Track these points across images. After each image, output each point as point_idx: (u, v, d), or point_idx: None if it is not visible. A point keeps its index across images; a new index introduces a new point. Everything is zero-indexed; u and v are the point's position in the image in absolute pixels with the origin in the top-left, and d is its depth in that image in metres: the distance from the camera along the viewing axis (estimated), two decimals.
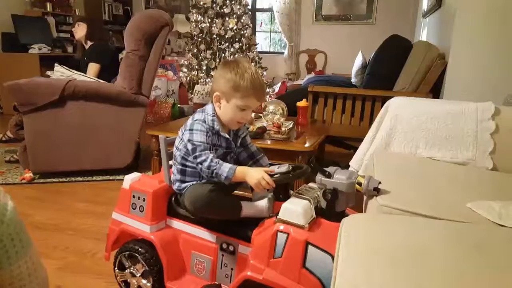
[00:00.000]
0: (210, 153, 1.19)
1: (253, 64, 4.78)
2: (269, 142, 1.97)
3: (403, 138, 1.60)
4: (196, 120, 1.24)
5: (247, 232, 1.19)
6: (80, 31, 3.09)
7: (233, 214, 1.22)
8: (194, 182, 1.27)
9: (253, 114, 2.47)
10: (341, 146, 3.19)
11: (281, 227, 1.08)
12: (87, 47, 3.12)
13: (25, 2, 5.37)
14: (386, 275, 0.69)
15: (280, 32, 6.39)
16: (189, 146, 1.20)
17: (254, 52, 4.95)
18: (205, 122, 1.23)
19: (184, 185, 1.29)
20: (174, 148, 1.32)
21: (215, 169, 1.16)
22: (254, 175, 1.14)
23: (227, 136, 1.28)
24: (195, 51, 4.89)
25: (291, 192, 1.22)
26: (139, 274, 1.33)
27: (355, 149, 1.84)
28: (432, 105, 1.63)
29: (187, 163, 1.27)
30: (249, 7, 5.19)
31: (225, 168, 1.16)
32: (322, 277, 1.01)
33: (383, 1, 5.82)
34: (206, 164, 1.16)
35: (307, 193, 1.16)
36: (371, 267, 0.71)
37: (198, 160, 1.18)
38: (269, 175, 1.15)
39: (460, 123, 1.55)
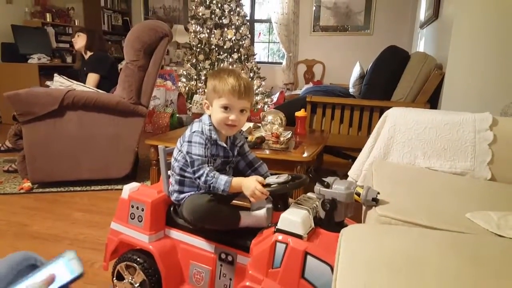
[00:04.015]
0: (208, 166, 1.20)
1: (249, 73, 4.81)
2: (267, 152, 1.98)
3: (402, 148, 1.61)
4: (194, 132, 1.25)
5: (245, 242, 1.19)
6: (80, 41, 3.11)
7: (231, 224, 1.23)
8: (192, 193, 1.28)
9: (251, 124, 2.48)
10: (339, 156, 3.19)
11: (280, 237, 1.08)
12: (86, 57, 3.14)
13: (25, 12, 5.40)
14: (385, 285, 0.69)
15: (279, 42, 6.44)
16: (188, 159, 1.22)
17: (253, 62, 4.98)
18: (203, 133, 1.24)
19: (182, 195, 1.29)
20: (172, 159, 1.33)
21: (212, 183, 1.18)
22: (248, 186, 1.15)
23: (224, 145, 1.29)
24: (193, 61, 4.91)
25: (290, 200, 1.22)
26: (138, 284, 1.32)
27: (353, 159, 1.84)
28: (430, 115, 1.64)
29: (186, 174, 1.28)
30: (248, 18, 5.23)
31: (221, 181, 1.17)
32: (321, 287, 1.01)
33: (380, 12, 5.89)
34: (203, 179, 1.19)
35: (306, 203, 1.17)
36: (370, 277, 0.72)
37: (196, 175, 1.20)
38: (267, 184, 1.15)
39: (458, 134, 1.56)
